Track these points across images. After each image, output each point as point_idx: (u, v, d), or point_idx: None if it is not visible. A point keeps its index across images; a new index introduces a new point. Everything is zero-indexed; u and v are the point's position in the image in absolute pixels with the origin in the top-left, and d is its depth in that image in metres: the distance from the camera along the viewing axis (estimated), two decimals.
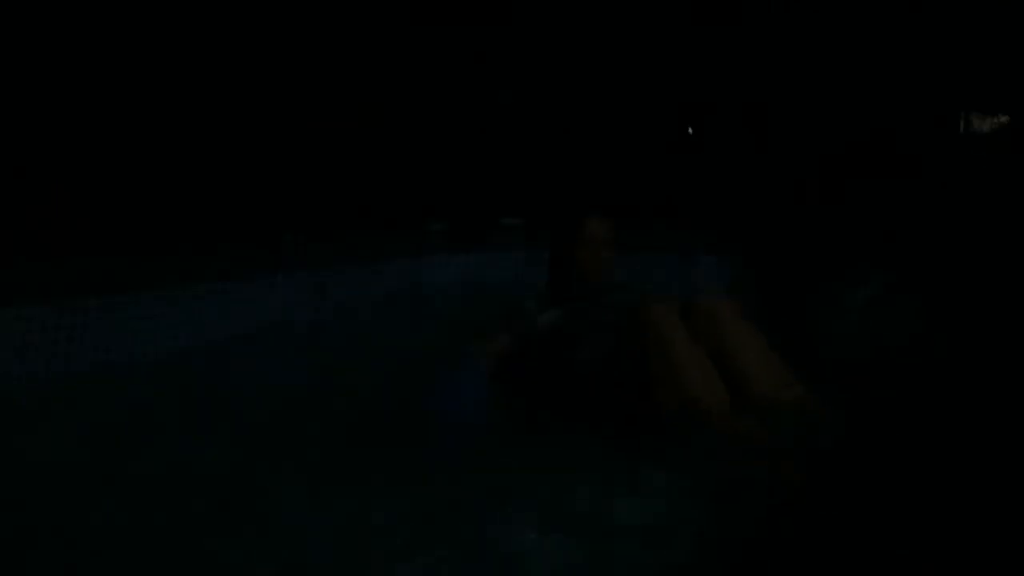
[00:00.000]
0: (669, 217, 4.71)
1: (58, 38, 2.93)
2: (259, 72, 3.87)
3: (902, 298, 2.30)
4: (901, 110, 4.31)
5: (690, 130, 4.98)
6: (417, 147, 4.91)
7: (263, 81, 3.90)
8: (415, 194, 4.83)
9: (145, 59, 3.31)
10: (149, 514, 1.34)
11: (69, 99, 2.98)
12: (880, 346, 2.12)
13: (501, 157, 5.14)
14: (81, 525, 1.30)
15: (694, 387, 1.58)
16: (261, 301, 3.05)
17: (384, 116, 4.70)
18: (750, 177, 4.56)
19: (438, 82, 4.98)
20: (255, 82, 3.85)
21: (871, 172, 3.92)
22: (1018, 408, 1.60)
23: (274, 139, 4.10)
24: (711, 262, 3.40)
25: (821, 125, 4.44)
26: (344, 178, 4.48)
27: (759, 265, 3.04)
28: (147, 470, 1.54)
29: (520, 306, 2.12)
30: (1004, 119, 4.18)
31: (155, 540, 1.25)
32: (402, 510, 1.32)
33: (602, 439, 1.65)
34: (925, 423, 1.57)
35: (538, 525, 1.25)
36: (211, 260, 3.27)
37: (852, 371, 1.96)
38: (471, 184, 5.05)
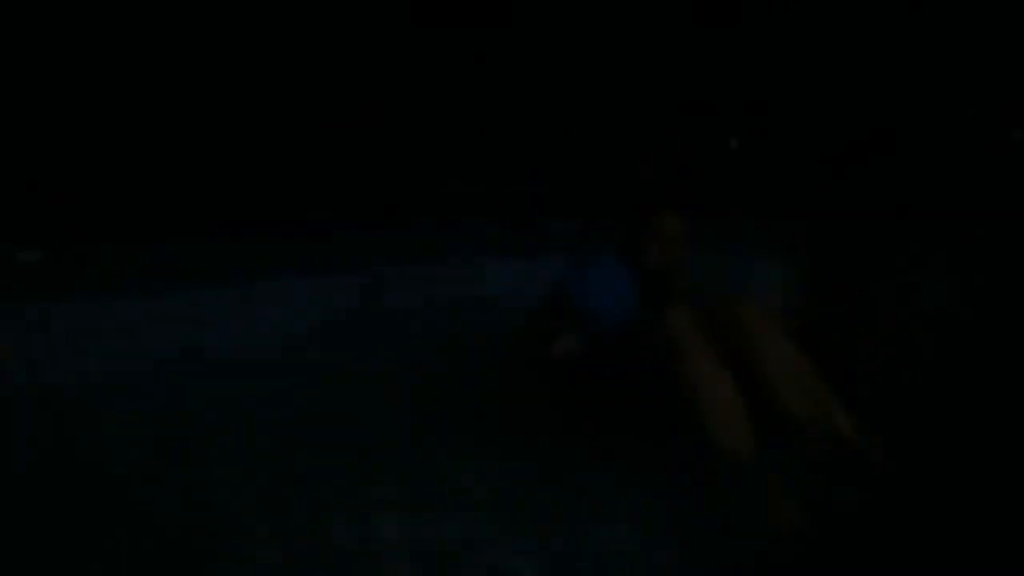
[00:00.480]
0: (723, 212, 4.49)
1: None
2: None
3: (971, 296, 2.03)
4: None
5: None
6: (469, 140, 4.87)
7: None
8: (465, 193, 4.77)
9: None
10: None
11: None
12: (949, 341, 1.88)
13: (553, 150, 5.00)
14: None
15: (709, 413, 1.40)
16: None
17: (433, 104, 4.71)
18: (807, 170, 4.36)
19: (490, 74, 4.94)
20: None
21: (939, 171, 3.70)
22: None
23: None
24: (765, 262, 3.13)
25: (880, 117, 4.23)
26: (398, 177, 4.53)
27: (820, 261, 2.79)
28: None
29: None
30: None
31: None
32: None
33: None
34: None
35: None
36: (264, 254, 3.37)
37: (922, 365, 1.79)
38: (522, 182, 4.93)
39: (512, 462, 1.60)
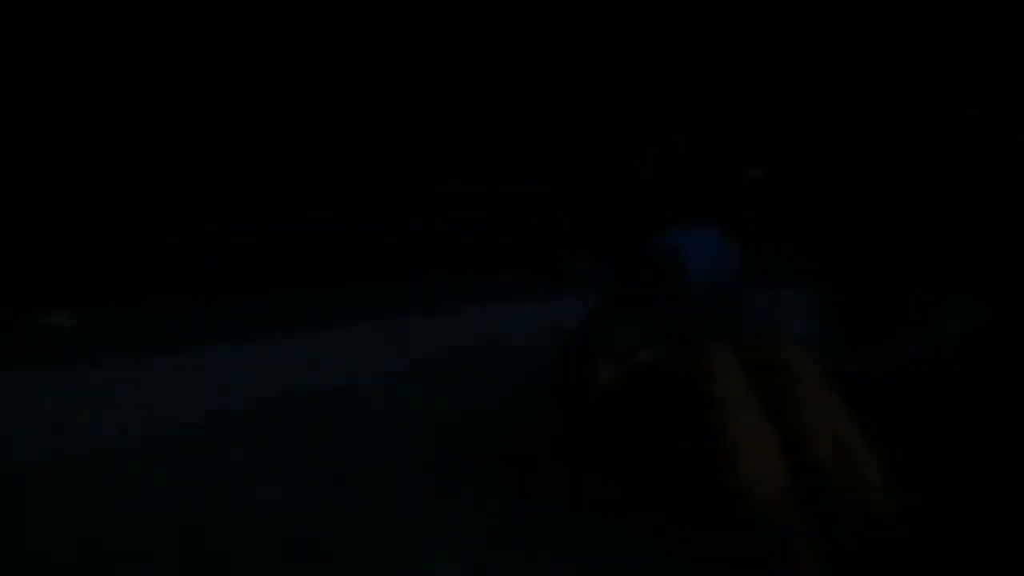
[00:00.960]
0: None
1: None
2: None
3: (997, 334, 2.03)
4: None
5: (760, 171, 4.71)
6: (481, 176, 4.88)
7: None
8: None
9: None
10: None
11: None
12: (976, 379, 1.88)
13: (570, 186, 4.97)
14: None
15: (738, 453, 1.37)
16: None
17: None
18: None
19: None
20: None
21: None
22: None
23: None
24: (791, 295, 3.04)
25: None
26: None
27: (841, 293, 2.77)
28: None
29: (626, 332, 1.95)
30: None
31: None
32: None
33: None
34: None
35: None
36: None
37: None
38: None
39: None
